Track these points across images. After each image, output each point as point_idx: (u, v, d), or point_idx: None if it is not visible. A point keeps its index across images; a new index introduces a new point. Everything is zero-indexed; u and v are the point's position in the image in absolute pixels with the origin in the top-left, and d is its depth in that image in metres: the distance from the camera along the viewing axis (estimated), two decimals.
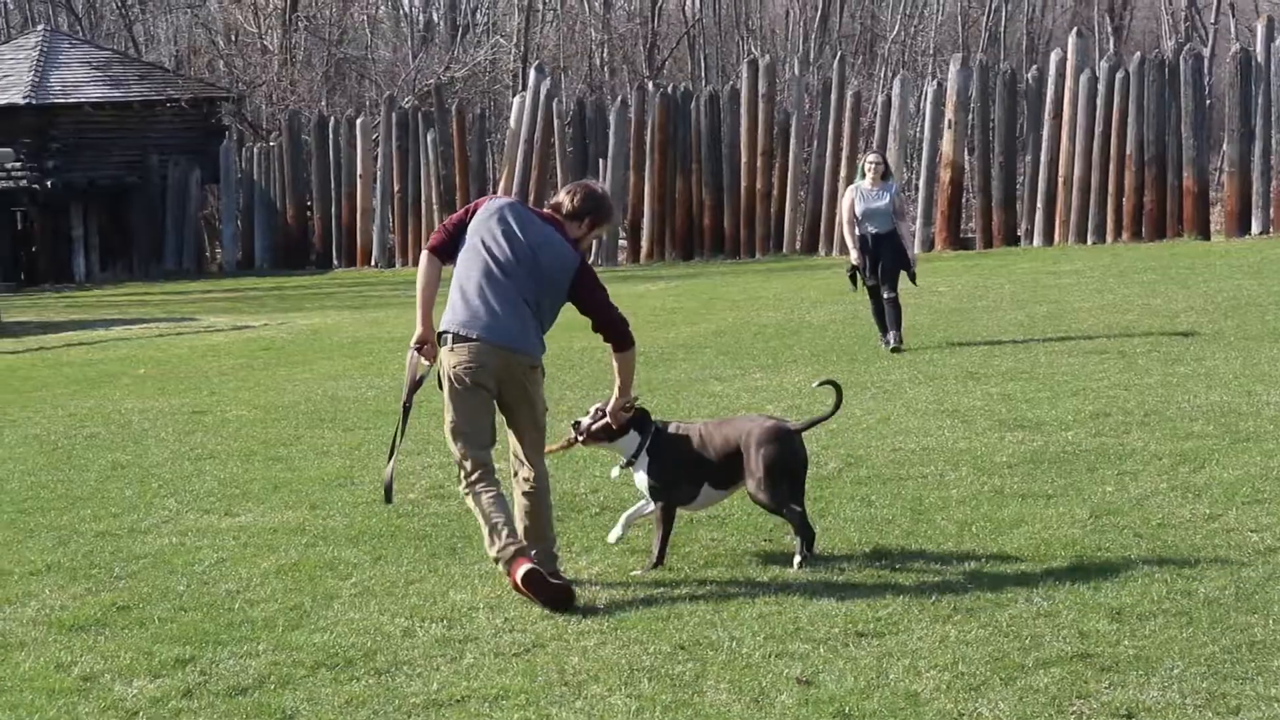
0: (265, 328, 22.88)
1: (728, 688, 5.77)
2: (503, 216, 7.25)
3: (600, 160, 33.47)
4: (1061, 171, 30.12)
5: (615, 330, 7.38)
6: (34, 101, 36.11)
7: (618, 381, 7.41)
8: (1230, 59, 29.73)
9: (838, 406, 7.72)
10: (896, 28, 47.73)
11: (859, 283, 15.12)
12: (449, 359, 7.15)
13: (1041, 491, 8.46)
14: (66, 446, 11.89)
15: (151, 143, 37.61)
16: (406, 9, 50.87)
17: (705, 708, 5.61)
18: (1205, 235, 28.81)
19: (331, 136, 36.26)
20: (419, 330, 7.32)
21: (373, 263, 35.60)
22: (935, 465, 9.30)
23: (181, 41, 48.12)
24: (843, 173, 32.01)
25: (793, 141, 32.60)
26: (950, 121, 31.16)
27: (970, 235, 31.54)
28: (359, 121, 36.52)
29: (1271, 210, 28.37)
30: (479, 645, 6.38)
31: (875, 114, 32.88)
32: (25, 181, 36.34)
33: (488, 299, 7.14)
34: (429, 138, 35.20)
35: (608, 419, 7.53)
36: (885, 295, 14.84)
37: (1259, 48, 29.02)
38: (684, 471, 7.46)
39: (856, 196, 15.01)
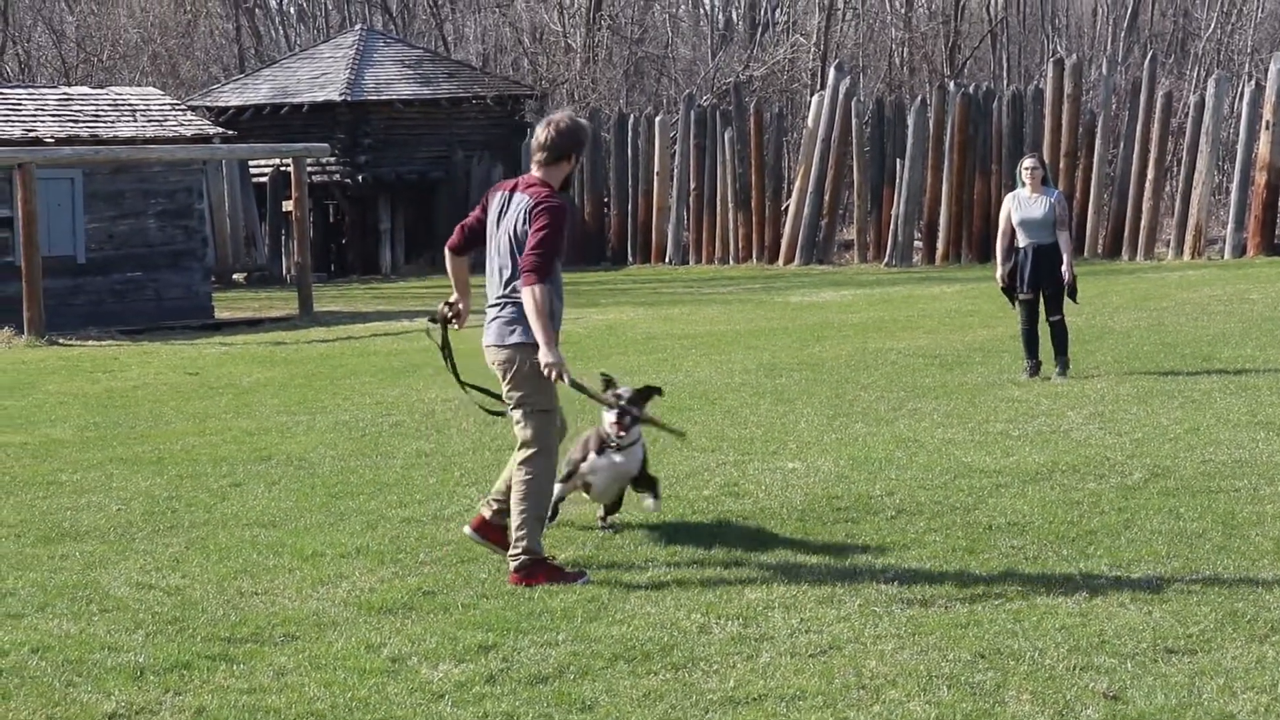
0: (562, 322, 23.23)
1: (1030, 699, 5.63)
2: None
3: (898, 160, 33.16)
4: None
5: (525, 261, 7.29)
6: (349, 99, 37.44)
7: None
8: None
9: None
10: (1212, 25, 46.11)
11: (1014, 299, 13.97)
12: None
13: None
14: (374, 434, 12.29)
15: (457, 139, 38.65)
16: (707, 8, 51.23)
17: (1007, 718, 5.49)
18: None
19: (630, 134, 36.70)
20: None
21: (667, 259, 35.94)
22: (1249, 479, 8.95)
23: (489, 40, 49.29)
24: (1150, 175, 31.12)
25: (1098, 143, 31.81)
26: (1268, 123, 29.98)
27: None
28: (658, 119, 36.87)
29: None
30: (774, 644, 6.36)
31: (1187, 115, 31.86)
32: (338, 176, 37.72)
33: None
34: (726, 136, 35.35)
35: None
36: (1050, 319, 13.76)
37: None
38: None
39: (1014, 205, 13.88)
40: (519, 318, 7.35)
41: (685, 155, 35.96)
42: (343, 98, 37.43)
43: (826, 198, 34.50)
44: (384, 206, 38.52)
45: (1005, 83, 42.98)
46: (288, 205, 32.91)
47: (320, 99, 37.63)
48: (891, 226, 33.19)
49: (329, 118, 37.37)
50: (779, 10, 48.08)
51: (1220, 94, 31.06)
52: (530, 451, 7.42)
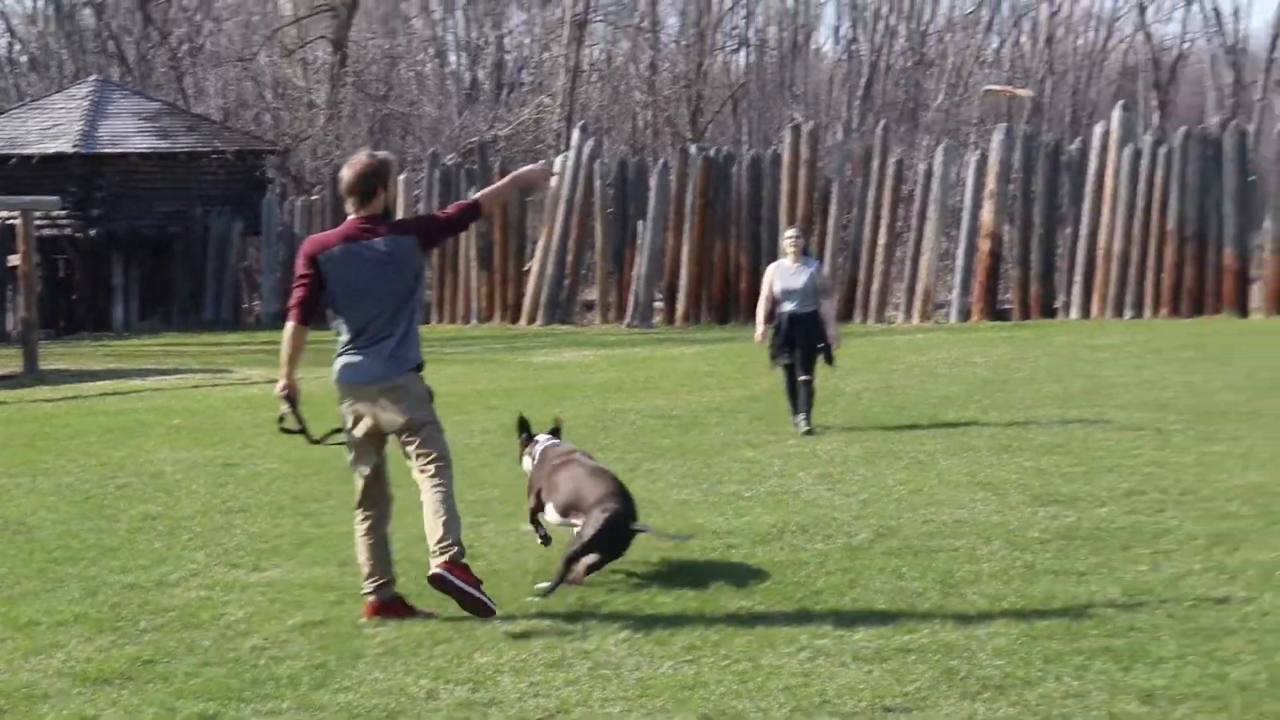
0: (301, 380, 22.89)
1: None
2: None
3: (640, 221, 33.58)
4: (1101, 244, 30.08)
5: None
6: (82, 151, 36.46)
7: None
8: (1275, 136, 29.69)
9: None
10: (940, 96, 47.81)
11: (775, 361, 14.61)
12: None
13: (1074, 569, 8.39)
14: (98, 496, 11.93)
15: (196, 194, 37.95)
16: (453, 66, 51.23)
17: None
18: (1244, 313, 28.70)
19: None
20: None
21: None
22: (967, 539, 9.24)
23: (230, 94, 48.55)
24: (881, 240, 32.05)
25: (833, 207, 32.65)
26: (991, 191, 31.17)
27: (1008, 306, 31.48)
28: (402, 177, 36.70)
29: None
30: (503, 709, 6.34)
31: (916, 182, 32.93)
32: (69, 230, 36.65)
33: None
34: (471, 195, 35.35)
35: None
36: (800, 378, 14.36)
37: None
38: None
39: (777, 274, 14.52)
40: (407, 348, 7.80)
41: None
42: (75, 149, 36.47)
43: (569, 258, 34.76)
44: (117, 261, 37.58)
45: (746, 147, 43.91)
46: (14, 259, 31.82)
47: (52, 150, 36.61)
48: (633, 287, 33.56)
49: (61, 170, 36.35)
50: (525, 71, 48.39)
51: (948, 163, 32.20)
52: (442, 464, 7.83)
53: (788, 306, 14.39)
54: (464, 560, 7.74)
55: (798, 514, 10.20)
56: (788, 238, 14.71)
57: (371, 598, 7.79)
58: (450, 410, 17.47)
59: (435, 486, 7.76)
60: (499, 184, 8.35)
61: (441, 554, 7.67)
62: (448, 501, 7.76)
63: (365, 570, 7.82)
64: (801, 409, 14.37)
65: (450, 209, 8.15)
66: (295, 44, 46.73)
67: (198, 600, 8.29)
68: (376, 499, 7.90)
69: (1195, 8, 48.95)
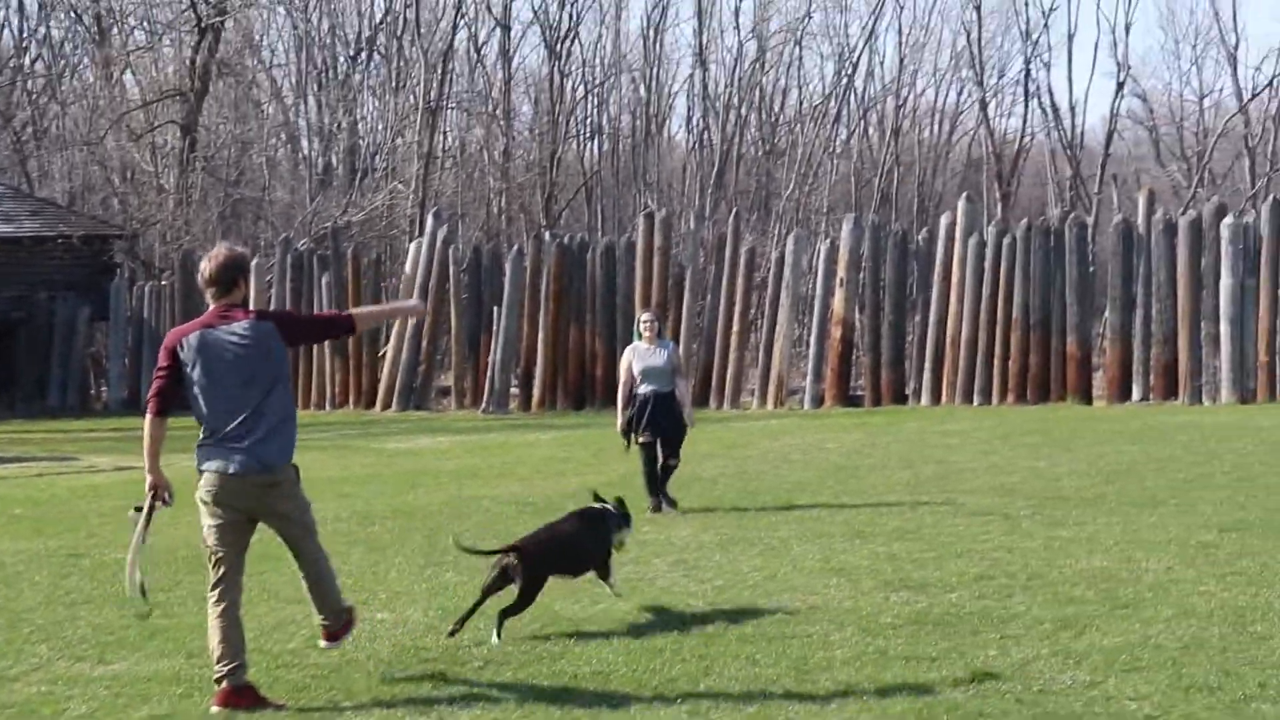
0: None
1: None
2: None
3: (495, 308, 33.60)
4: (949, 332, 30.63)
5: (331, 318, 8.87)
6: None
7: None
8: (1113, 229, 30.52)
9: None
10: (791, 185, 48.55)
11: (631, 442, 14.91)
12: None
13: (925, 654, 8.48)
14: None
15: (41, 279, 37.27)
16: (306, 152, 51.03)
17: None
18: (1088, 400, 29.35)
19: None
20: None
21: None
22: (821, 625, 9.30)
23: (76, 178, 47.83)
24: (735, 327, 32.37)
25: (687, 294, 32.92)
26: (842, 279, 31.65)
27: (859, 392, 31.89)
28: (254, 263, 36.39)
29: (1152, 378, 28.99)
30: None
31: (769, 269, 33.33)
32: None
33: None
34: (324, 280, 35.18)
35: None
36: (669, 461, 14.80)
37: (1140, 219, 29.83)
38: None
39: (634, 356, 14.90)
40: (274, 437, 7.87)
41: (281, 300, 35.58)
42: None
43: (424, 344, 34.65)
44: None
45: (600, 234, 44.18)
46: None
47: None
48: (489, 373, 33.52)
49: None
50: (378, 157, 48.31)
51: (799, 251, 32.65)
52: (314, 535, 8.18)
53: (647, 387, 14.77)
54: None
55: (653, 601, 10.20)
56: (643, 321, 15.11)
57: (223, 684, 7.66)
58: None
59: (317, 560, 8.18)
60: (376, 308, 8.88)
61: (327, 618, 8.26)
62: (327, 571, 8.23)
63: (217, 654, 7.71)
64: (660, 490, 14.74)
65: (323, 314, 8.39)
66: (144, 128, 46.24)
67: (39, 695, 8.08)
68: (232, 583, 7.86)
69: (1034, 104, 50.12)
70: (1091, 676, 7.90)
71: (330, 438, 27.48)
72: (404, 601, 10.47)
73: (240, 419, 7.80)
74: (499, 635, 9.01)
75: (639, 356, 14.86)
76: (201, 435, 7.90)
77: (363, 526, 14.62)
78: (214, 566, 7.87)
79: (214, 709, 7.61)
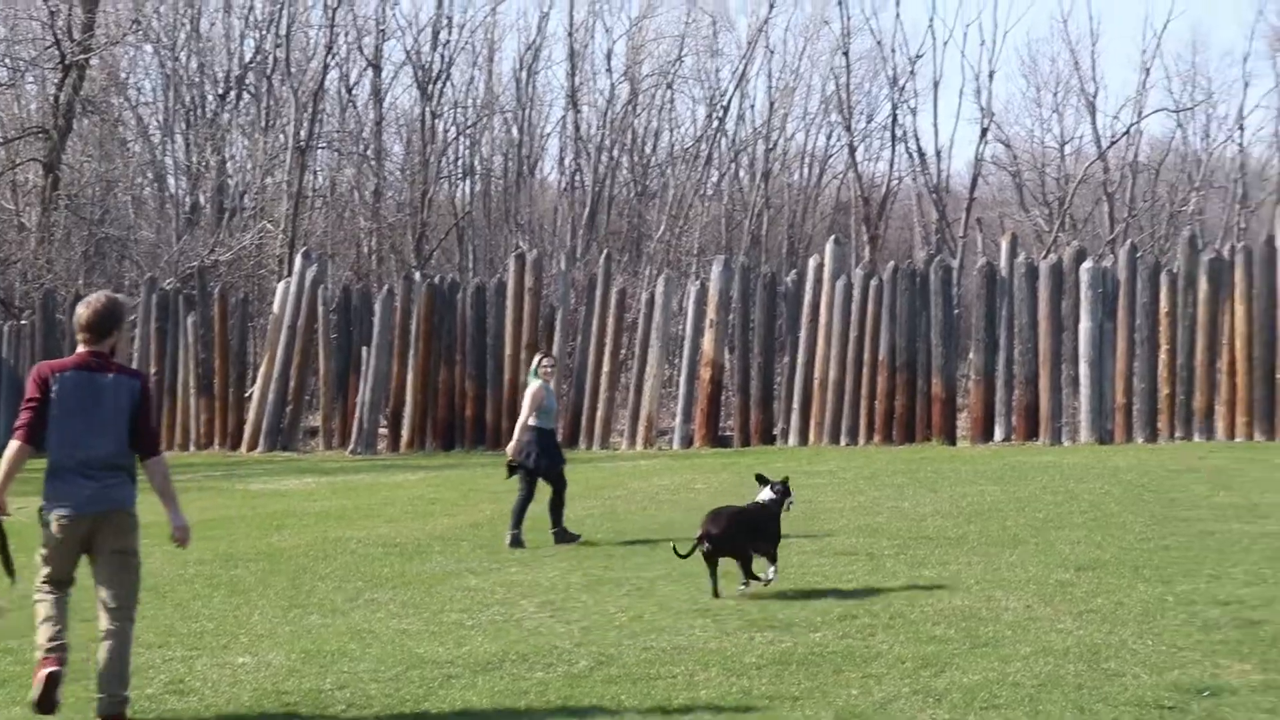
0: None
1: None
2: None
3: (364, 348, 33.39)
4: (818, 373, 30.93)
5: (152, 440, 8.44)
6: None
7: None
8: (977, 271, 31.03)
9: None
10: (663, 227, 48.83)
11: (517, 472, 15.96)
12: None
13: (788, 693, 8.55)
14: None
15: None
16: (172, 190, 50.45)
17: None
18: (952, 441, 29.76)
19: None
20: None
21: None
22: (685, 665, 9.35)
23: None
24: (605, 368, 32.45)
25: (557, 335, 32.96)
26: (712, 320, 31.85)
27: (728, 433, 32.06)
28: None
29: (1014, 418, 29.46)
30: None
31: (639, 310, 33.47)
32: None
33: None
34: (189, 320, 34.76)
35: None
36: (565, 491, 15.98)
37: (1003, 262, 30.36)
38: None
39: (546, 393, 16.04)
40: (131, 481, 8.22)
41: (146, 339, 35.10)
42: None
43: (292, 384, 34.32)
44: None
45: (471, 274, 44.08)
46: None
47: None
48: (357, 414, 33.27)
49: None
50: (247, 196, 47.87)
51: (669, 292, 32.83)
52: (135, 601, 8.26)
53: (545, 423, 15.96)
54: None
55: (519, 643, 10.20)
56: (545, 364, 16.31)
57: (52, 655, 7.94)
58: (163, 539, 17.05)
59: (126, 629, 8.14)
60: (165, 490, 8.44)
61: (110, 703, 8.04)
62: (124, 648, 8.12)
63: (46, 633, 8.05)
64: (517, 526, 15.52)
65: (154, 427, 8.50)
66: (4, 165, 45.45)
67: None
68: (61, 588, 8.24)
69: (901, 148, 50.90)
70: (951, 714, 8.02)
71: (194, 479, 27.12)
72: (266, 645, 10.36)
73: (89, 458, 8.10)
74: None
75: (548, 394, 15.99)
76: (50, 465, 8.20)
77: (226, 569, 14.45)
78: (43, 570, 8.23)
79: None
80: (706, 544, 11.74)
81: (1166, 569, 12.42)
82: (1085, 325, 29.11)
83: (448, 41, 52.08)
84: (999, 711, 8.03)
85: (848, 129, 50.83)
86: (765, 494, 12.59)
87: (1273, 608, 10.55)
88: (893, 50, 49.24)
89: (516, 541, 15.36)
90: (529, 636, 10.45)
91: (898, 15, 62.70)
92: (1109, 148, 50.03)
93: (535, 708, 8.37)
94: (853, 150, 51.28)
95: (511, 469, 15.97)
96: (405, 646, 10.16)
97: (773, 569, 12.05)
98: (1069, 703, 8.12)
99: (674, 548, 12.13)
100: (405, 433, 33.40)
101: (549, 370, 16.29)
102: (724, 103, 52.53)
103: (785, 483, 12.82)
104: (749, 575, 11.88)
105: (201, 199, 48.66)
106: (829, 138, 56.73)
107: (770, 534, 12.19)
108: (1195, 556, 13.08)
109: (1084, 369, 28.97)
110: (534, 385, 16.02)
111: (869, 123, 55.29)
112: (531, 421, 15.86)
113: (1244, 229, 50.17)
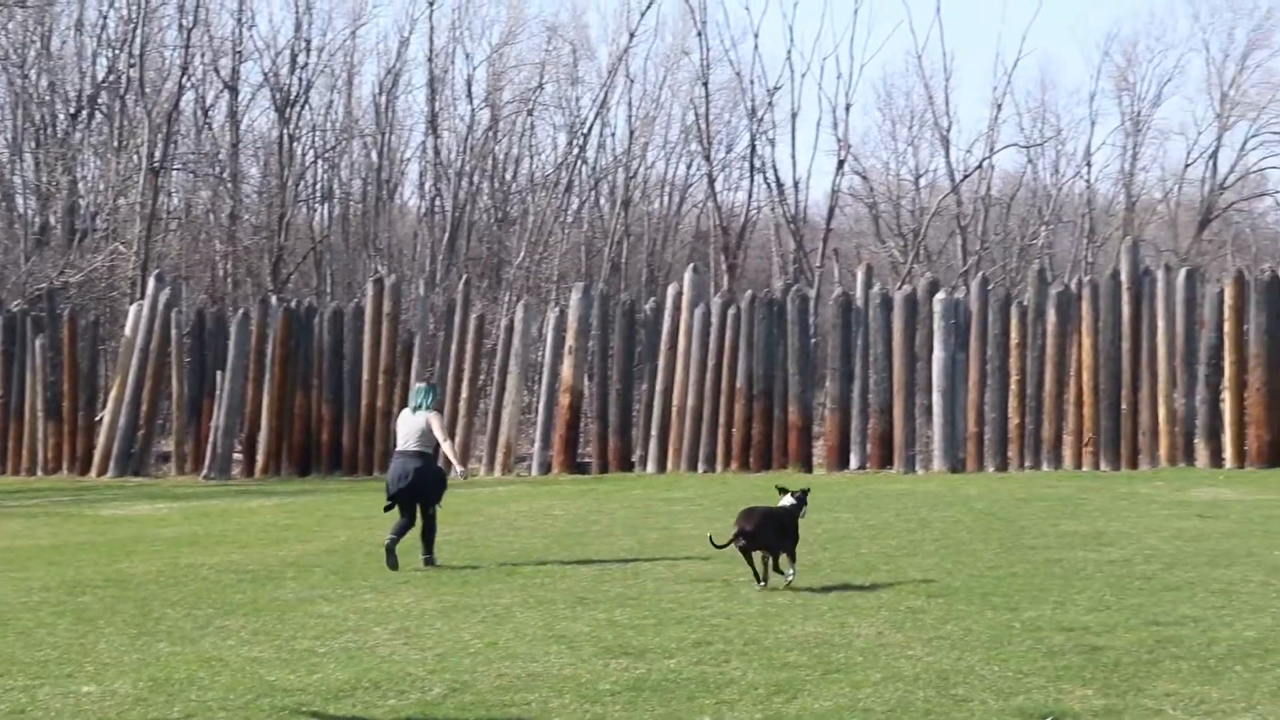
0: None
1: None
2: None
3: (218, 372, 32.95)
4: (676, 400, 31.09)
5: None
6: None
7: None
8: (833, 301, 31.40)
9: None
10: (522, 253, 48.79)
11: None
12: None
13: None
14: None
15: None
16: (21, 210, 49.43)
17: None
18: (808, 468, 30.04)
19: None
20: None
21: None
22: (540, 692, 9.33)
23: None
24: (464, 394, 32.33)
25: (415, 360, 32.78)
26: (571, 347, 31.88)
27: (587, 460, 32.09)
28: None
29: (869, 446, 29.84)
30: None
31: (499, 337, 33.40)
32: None
33: None
34: (38, 343, 34.07)
35: None
36: (431, 513, 16.04)
37: (859, 292, 30.76)
38: None
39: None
40: None
41: None
42: None
43: (144, 408, 33.77)
44: None
45: (329, 298, 43.69)
46: None
47: None
48: (211, 438, 32.82)
49: None
50: (99, 217, 47.05)
51: (529, 319, 32.81)
52: None
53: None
54: None
55: (371, 670, 10.11)
56: (423, 390, 16.45)
57: None
58: (9, 566, 16.68)
59: None
60: None
61: None
62: None
63: None
64: (428, 544, 15.91)
65: None
66: None
67: None
68: None
69: (760, 179, 51.37)
70: None
71: (40, 504, 26.57)
72: (112, 673, 10.17)
73: None
74: None
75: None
76: None
77: (72, 596, 14.17)
78: None
79: None
80: (742, 539, 13.29)
81: (1014, 596, 12.64)
82: (938, 355, 29.58)
83: (306, 64, 51.67)
84: None
85: (707, 159, 51.19)
86: (787, 500, 13.89)
87: (1115, 634, 10.78)
88: (751, 82, 49.68)
89: (391, 554, 15.56)
90: (382, 664, 10.37)
91: (756, 47, 63.14)
92: (962, 181, 50.90)
93: None
94: (712, 180, 51.65)
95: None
96: (256, 674, 10.03)
97: (792, 568, 13.47)
98: None
99: (710, 538, 14.27)
100: (260, 458, 33.02)
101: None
102: (584, 130, 52.68)
103: (805, 492, 14.07)
104: (776, 569, 13.45)
105: (51, 219, 47.75)
106: (689, 167, 57.14)
107: (792, 535, 13.61)
108: (1041, 584, 13.33)
109: (937, 398, 29.42)
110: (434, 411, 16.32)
111: (728, 153, 55.76)
112: (416, 447, 16.01)
113: (1091, 263, 51.30)
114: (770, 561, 13.51)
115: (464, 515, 21.64)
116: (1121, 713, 8.46)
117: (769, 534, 13.44)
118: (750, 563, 13.50)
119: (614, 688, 9.41)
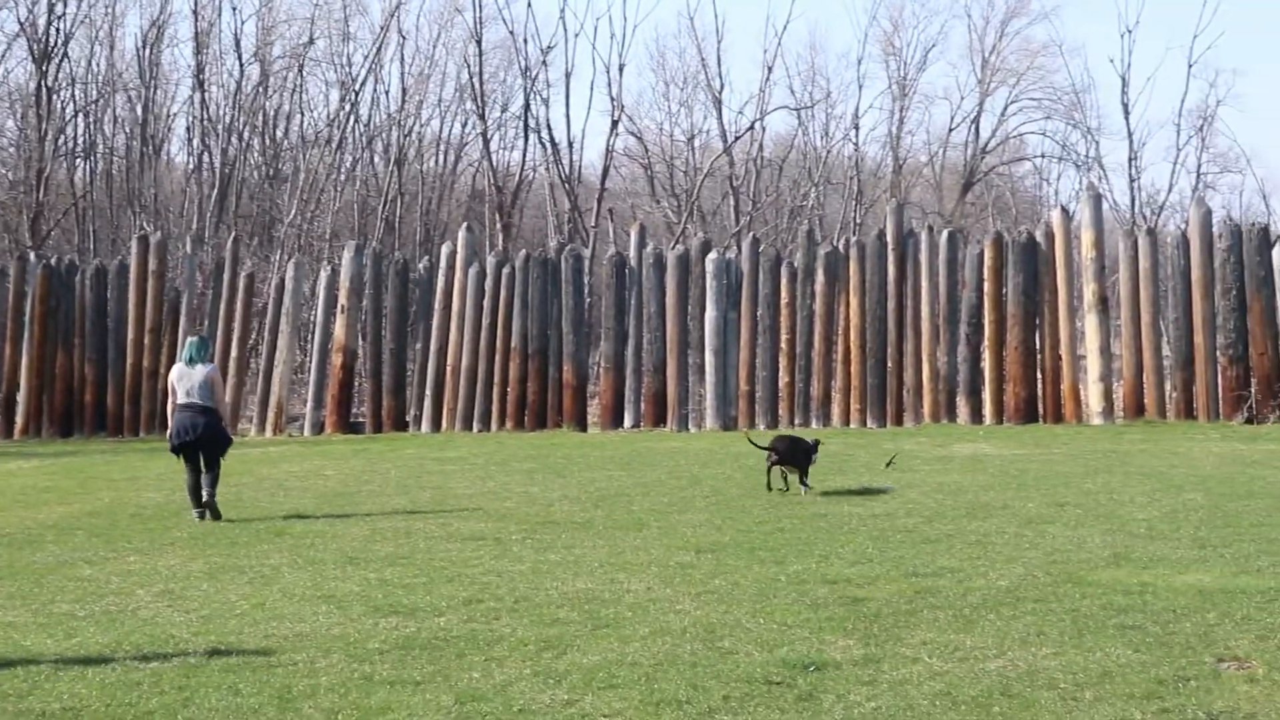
0: None
1: None
2: None
3: None
4: (450, 360, 30.96)
5: None
6: None
7: None
8: (607, 261, 31.53)
9: None
10: (294, 211, 48.02)
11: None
12: None
13: (410, 678, 8.55)
14: None
15: None
16: None
17: None
18: (583, 427, 30.19)
19: None
20: None
21: None
22: (307, 652, 9.24)
23: None
24: (234, 353, 31.76)
25: (183, 319, 32.11)
26: (343, 306, 31.52)
27: (360, 419, 31.80)
28: None
29: (643, 405, 30.09)
30: None
31: (269, 295, 32.86)
32: None
33: None
34: None
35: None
36: (216, 464, 16.52)
37: (632, 252, 30.95)
38: None
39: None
40: None
41: None
42: None
43: None
44: None
45: (92, 256, 42.48)
46: None
47: None
48: None
49: None
50: None
51: (300, 277, 32.33)
52: None
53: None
54: None
55: (134, 633, 9.91)
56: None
57: None
58: None
59: None
60: None
61: None
62: None
63: None
64: (210, 490, 16.27)
65: None
66: None
67: None
68: None
69: (535, 138, 51.28)
70: (570, 695, 8.14)
71: None
72: None
73: None
74: None
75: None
76: None
77: None
78: None
79: None
80: (775, 455, 16.96)
81: (781, 550, 12.88)
82: (711, 315, 29.92)
83: (64, 14, 50.03)
84: (616, 691, 8.20)
85: (482, 117, 50.94)
86: (807, 439, 17.51)
87: (876, 585, 11.06)
88: (525, 41, 49.57)
89: (202, 516, 16.12)
90: (144, 626, 10.16)
91: (530, 6, 62.81)
92: (734, 142, 51.46)
93: (147, 699, 8.14)
94: (486, 139, 51.42)
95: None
96: (10, 639, 9.76)
97: (807, 484, 17.02)
98: (684, 680, 8.34)
99: (749, 438, 20.17)
100: (20, 419, 32.08)
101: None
102: (357, 87, 51.99)
103: (818, 442, 17.58)
104: (802, 482, 17.00)
105: None
106: (464, 125, 56.80)
107: (808, 461, 17.05)
108: (808, 538, 13.61)
109: (709, 357, 29.77)
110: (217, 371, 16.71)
111: (503, 112, 55.58)
112: (200, 401, 16.41)
113: (859, 224, 52.33)
114: (787, 478, 17.17)
115: (234, 476, 21.28)
116: (880, 661, 8.69)
117: (797, 456, 16.97)
118: (769, 474, 17.15)
119: (383, 646, 9.37)
